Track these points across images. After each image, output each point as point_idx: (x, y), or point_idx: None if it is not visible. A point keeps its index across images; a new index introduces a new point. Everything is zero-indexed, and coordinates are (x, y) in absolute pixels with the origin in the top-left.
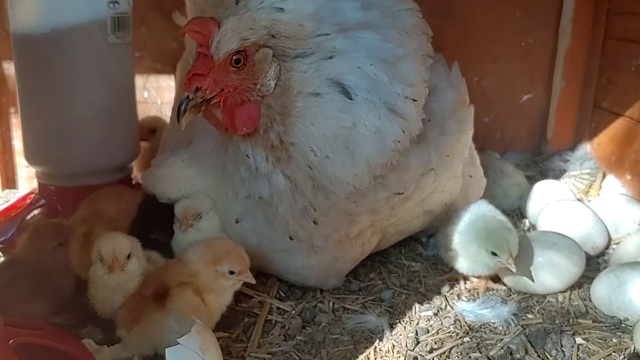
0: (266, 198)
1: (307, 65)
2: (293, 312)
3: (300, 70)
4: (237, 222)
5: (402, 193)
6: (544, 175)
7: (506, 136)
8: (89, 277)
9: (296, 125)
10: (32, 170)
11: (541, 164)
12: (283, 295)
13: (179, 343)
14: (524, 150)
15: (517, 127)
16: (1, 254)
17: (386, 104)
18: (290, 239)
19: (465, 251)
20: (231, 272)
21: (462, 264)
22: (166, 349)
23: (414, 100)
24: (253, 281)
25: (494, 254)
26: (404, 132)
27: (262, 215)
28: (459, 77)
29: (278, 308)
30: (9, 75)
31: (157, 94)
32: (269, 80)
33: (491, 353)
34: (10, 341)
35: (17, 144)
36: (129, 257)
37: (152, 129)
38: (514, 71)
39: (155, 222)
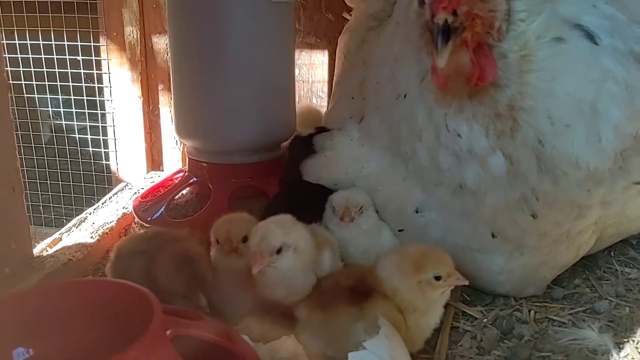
0: (470, 186)
1: (541, 4)
2: (485, 320)
3: (535, 12)
4: (416, 212)
5: None
6: None
7: None
8: None
9: (534, 82)
10: (178, 153)
11: None
12: (468, 299)
13: (363, 347)
14: None
15: None
16: None
17: (631, 52)
18: (493, 236)
19: None
20: (437, 278)
21: None
22: (349, 354)
23: None
24: (465, 282)
25: None
26: None
27: (459, 206)
28: None
29: (465, 314)
30: (159, 51)
31: (308, 72)
32: (501, 19)
33: None
34: (168, 332)
35: (164, 123)
36: None
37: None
38: None
39: (307, 206)
